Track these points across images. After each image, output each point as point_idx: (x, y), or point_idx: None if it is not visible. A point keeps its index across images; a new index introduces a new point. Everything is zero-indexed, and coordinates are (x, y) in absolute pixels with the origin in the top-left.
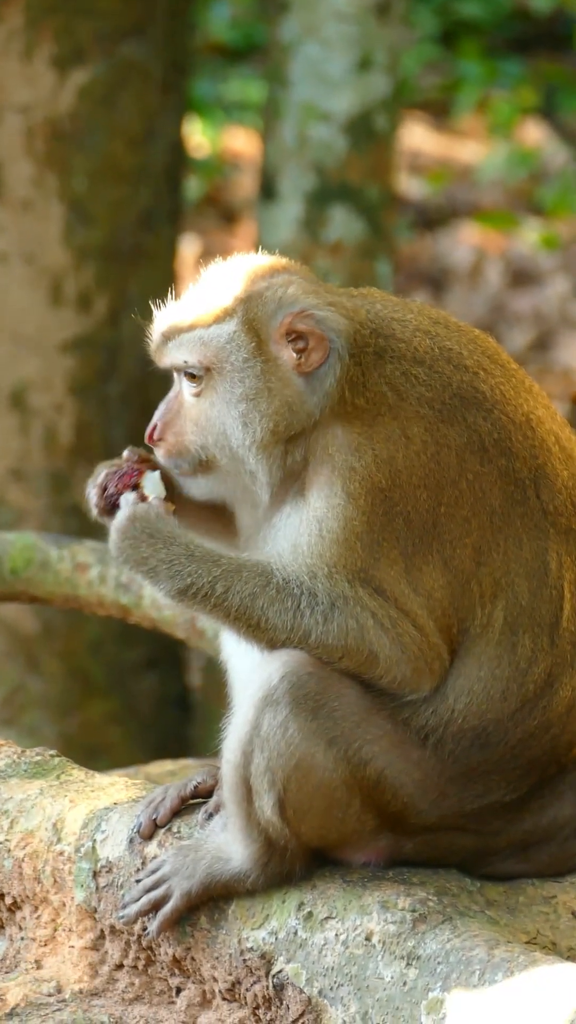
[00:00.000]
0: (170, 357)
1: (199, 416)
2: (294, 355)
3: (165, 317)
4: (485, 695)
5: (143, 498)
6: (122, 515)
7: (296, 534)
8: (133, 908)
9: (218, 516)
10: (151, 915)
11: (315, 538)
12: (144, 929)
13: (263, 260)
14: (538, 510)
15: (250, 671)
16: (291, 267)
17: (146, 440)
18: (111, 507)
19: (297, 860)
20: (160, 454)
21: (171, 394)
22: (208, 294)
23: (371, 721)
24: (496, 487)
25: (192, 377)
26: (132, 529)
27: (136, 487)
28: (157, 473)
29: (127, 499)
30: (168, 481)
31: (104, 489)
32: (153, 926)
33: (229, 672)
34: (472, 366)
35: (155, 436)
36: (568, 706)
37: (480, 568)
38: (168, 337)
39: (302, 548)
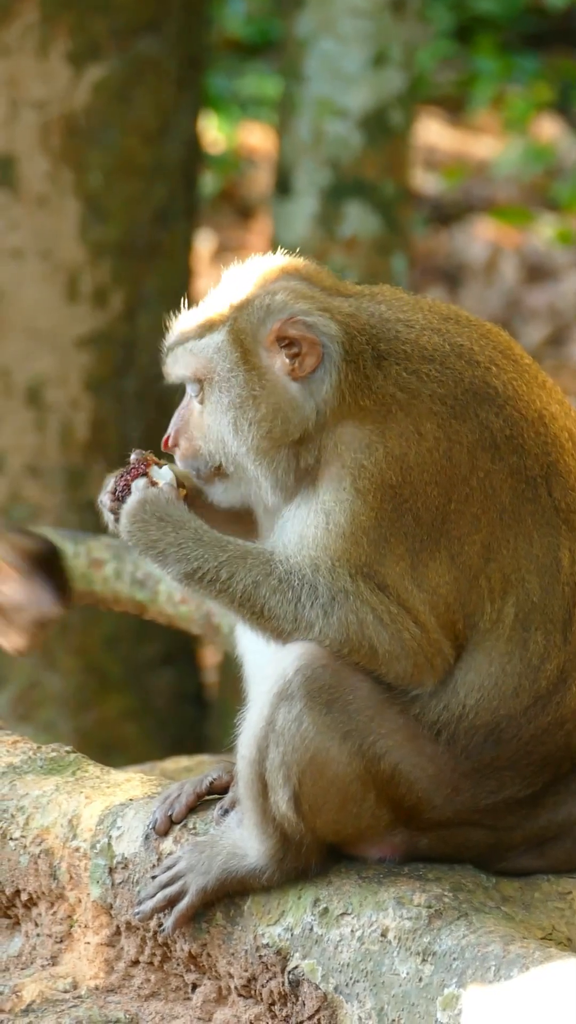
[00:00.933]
0: (170, 370)
1: (202, 424)
2: (287, 361)
3: (171, 331)
4: (496, 691)
5: (153, 484)
6: (133, 499)
7: (303, 526)
8: (148, 904)
9: (240, 520)
10: (167, 911)
11: (321, 531)
12: (160, 926)
13: (271, 264)
14: (550, 507)
15: (265, 666)
16: (301, 269)
17: (163, 447)
18: (122, 502)
19: (312, 855)
20: (177, 459)
21: (184, 402)
22: (207, 304)
23: (385, 715)
24: (507, 484)
25: (194, 387)
26: (142, 512)
27: (145, 475)
28: (167, 467)
29: (138, 485)
30: (179, 479)
31: (114, 492)
32: (169, 922)
33: (244, 667)
34: (484, 361)
35: (170, 443)
36: None
37: (489, 564)
38: (169, 351)
39: (307, 540)
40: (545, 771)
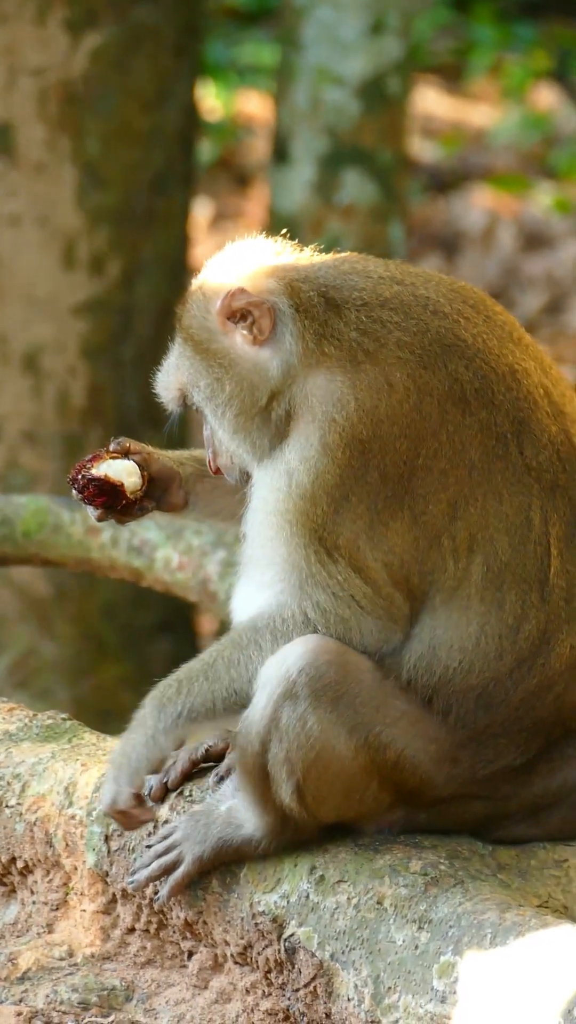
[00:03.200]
0: (165, 402)
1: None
2: (245, 333)
3: None
4: (478, 653)
5: (110, 483)
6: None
7: (269, 486)
8: (144, 873)
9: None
10: (162, 880)
11: (282, 493)
12: (156, 893)
13: (213, 260)
14: (520, 465)
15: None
16: (243, 249)
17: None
18: (81, 490)
19: (310, 831)
20: (227, 479)
21: (206, 427)
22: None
23: (389, 703)
24: (476, 440)
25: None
26: (139, 751)
27: (92, 479)
28: (129, 462)
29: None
30: (141, 467)
31: (72, 481)
32: (164, 890)
33: None
34: (451, 313)
35: (213, 470)
36: (568, 664)
37: (455, 523)
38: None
39: (269, 505)
40: (538, 737)
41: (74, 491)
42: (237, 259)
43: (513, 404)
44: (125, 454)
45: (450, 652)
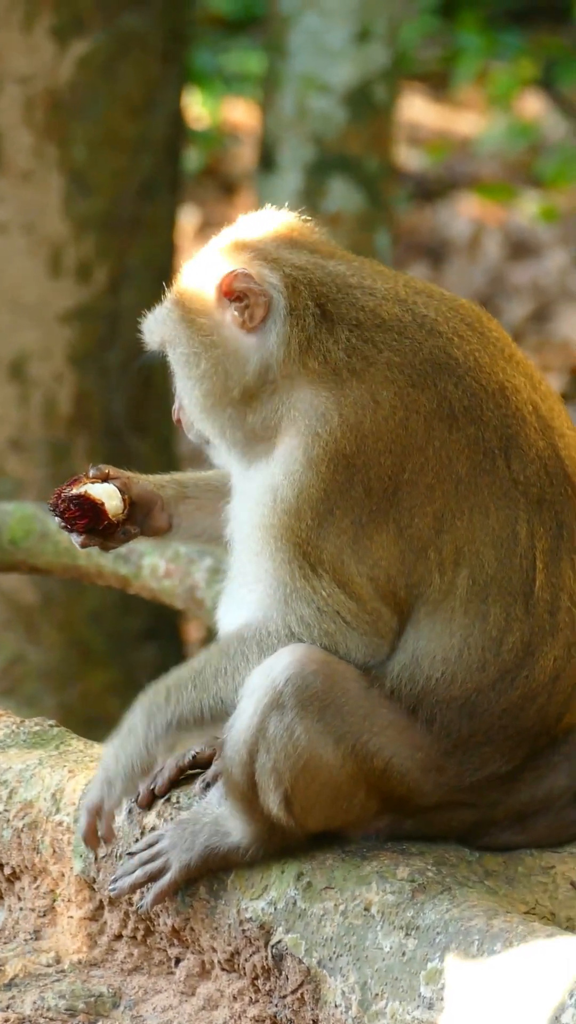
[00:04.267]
0: (145, 341)
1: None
2: (237, 315)
3: None
4: (461, 664)
5: (90, 501)
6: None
7: (254, 500)
8: (127, 880)
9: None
10: (147, 887)
11: (267, 507)
12: (138, 900)
13: (241, 224)
14: (507, 479)
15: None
16: (272, 226)
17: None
18: (62, 513)
19: (298, 839)
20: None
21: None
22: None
23: (376, 712)
24: (464, 455)
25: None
26: (129, 761)
27: (72, 497)
28: (110, 486)
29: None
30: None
31: (54, 506)
32: (148, 897)
33: None
34: (447, 332)
35: (175, 419)
36: (551, 675)
37: (441, 536)
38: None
39: (255, 517)
40: (523, 746)
41: (56, 517)
42: (256, 234)
43: (501, 420)
44: (104, 479)
45: (433, 663)
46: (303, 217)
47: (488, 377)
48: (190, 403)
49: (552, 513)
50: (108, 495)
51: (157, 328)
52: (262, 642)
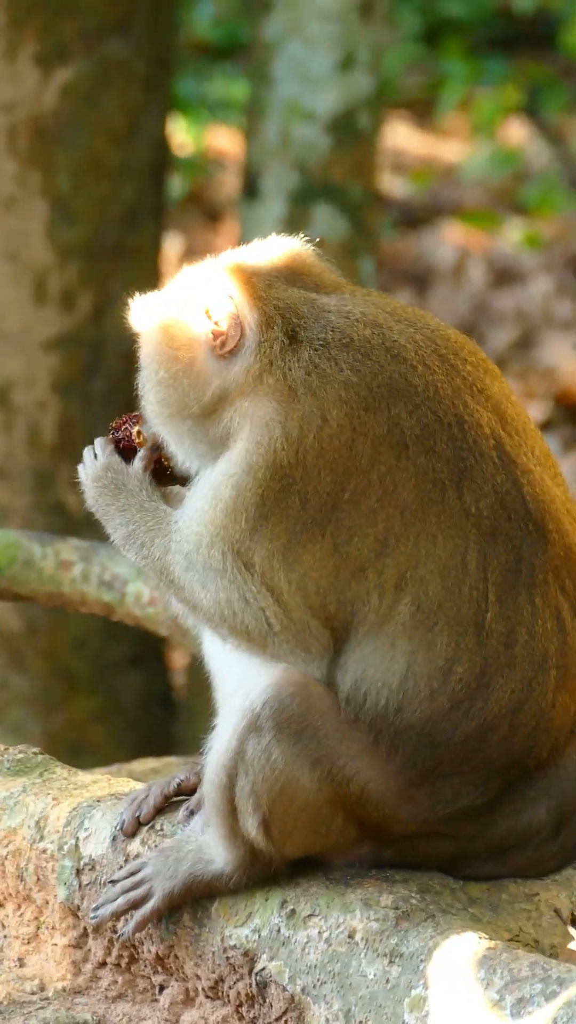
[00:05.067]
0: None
1: None
2: (211, 337)
3: None
4: (406, 691)
5: (130, 443)
6: (98, 463)
7: (198, 497)
8: (109, 908)
9: None
10: (128, 915)
11: (208, 504)
12: (121, 928)
13: (248, 249)
14: (458, 510)
15: (225, 671)
16: (271, 254)
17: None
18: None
19: (279, 865)
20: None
21: None
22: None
23: (352, 736)
24: (411, 483)
25: None
26: (104, 478)
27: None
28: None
29: (101, 445)
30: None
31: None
32: (130, 925)
33: (213, 679)
34: (412, 359)
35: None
36: (510, 708)
37: (382, 559)
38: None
39: (196, 515)
40: (494, 778)
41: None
42: (258, 261)
43: (455, 453)
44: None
45: (379, 689)
46: (310, 246)
47: (446, 409)
48: (149, 407)
49: (509, 547)
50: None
51: (140, 316)
52: (191, 558)
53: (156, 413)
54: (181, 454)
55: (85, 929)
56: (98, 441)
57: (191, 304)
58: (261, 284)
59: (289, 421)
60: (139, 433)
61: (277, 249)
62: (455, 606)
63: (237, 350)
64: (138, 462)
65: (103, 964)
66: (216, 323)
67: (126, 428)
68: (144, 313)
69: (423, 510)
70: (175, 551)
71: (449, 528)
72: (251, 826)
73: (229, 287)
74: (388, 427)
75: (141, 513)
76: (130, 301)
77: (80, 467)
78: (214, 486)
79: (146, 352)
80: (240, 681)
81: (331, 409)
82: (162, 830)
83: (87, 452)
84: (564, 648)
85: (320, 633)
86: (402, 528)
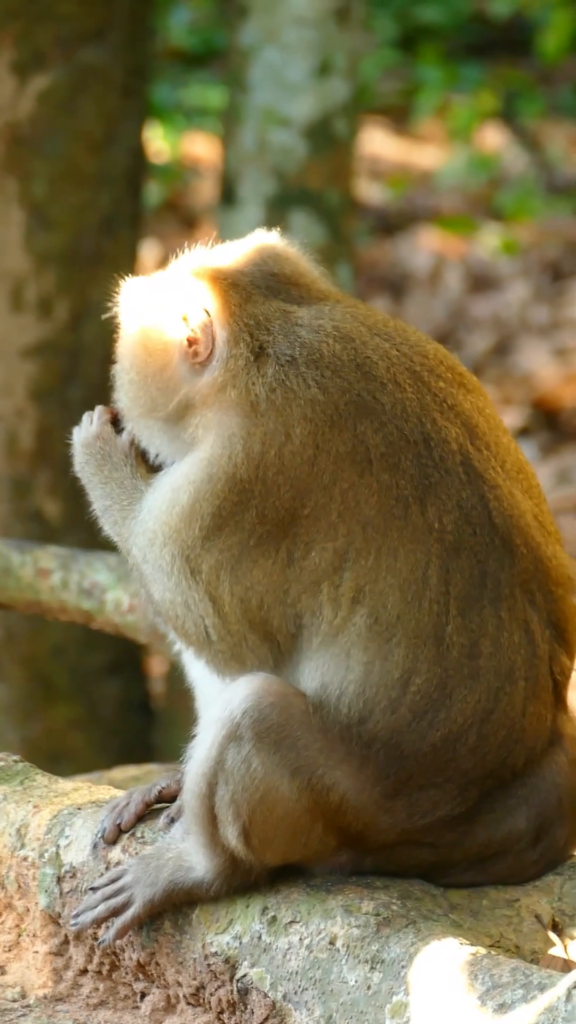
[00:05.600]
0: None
1: None
2: (185, 345)
3: None
4: (365, 700)
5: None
6: (91, 431)
7: (159, 495)
8: (90, 915)
9: None
10: (109, 922)
11: (165, 505)
12: (101, 935)
13: (229, 248)
14: (421, 526)
15: (205, 680)
16: (256, 258)
17: None
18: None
19: (260, 873)
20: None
21: None
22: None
23: (333, 746)
24: (374, 499)
25: None
26: (92, 446)
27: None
28: None
29: (99, 412)
30: None
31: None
32: (111, 932)
33: (193, 688)
34: (383, 376)
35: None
36: (476, 718)
37: (340, 573)
38: None
39: (153, 512)
40: (470, 789)
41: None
42: (239, 266)
43: (420, 471)
44: None
45: (339, 696)
46: (295, 248)
47: (412, 427)
48: (121, 402)
49: (473, 561)
50: None
51: (123, 303)
52: (144, 552)
53: (128, 409)
54: (153, 449)
55: (66, 936)
56: (97, 408)
57: (170, 309)
58: (237, 298)
59: (251, 436)
60: None
61: (267, 253)
62: (414, 619)
63: (208, 361)
64: (126, 435)
65: (84, 971)
66: (192, 331)
67: None
68: (129, 300)
69: (385, 525)
70: (133, 542)
71: (411, 543)
72: (231, 835)
73: (206, 299)
74: (353, 444)
75: (120, 489)
76: (119, 289)
77: (75, 430)
78: (174, 488)
79: (122, 349)
80: (220, 690)
81: (295, 426)
82: (143, 837)
83: (85, 417)
84: (533, 660)
85: (257, 647)
86: (363, 543)
